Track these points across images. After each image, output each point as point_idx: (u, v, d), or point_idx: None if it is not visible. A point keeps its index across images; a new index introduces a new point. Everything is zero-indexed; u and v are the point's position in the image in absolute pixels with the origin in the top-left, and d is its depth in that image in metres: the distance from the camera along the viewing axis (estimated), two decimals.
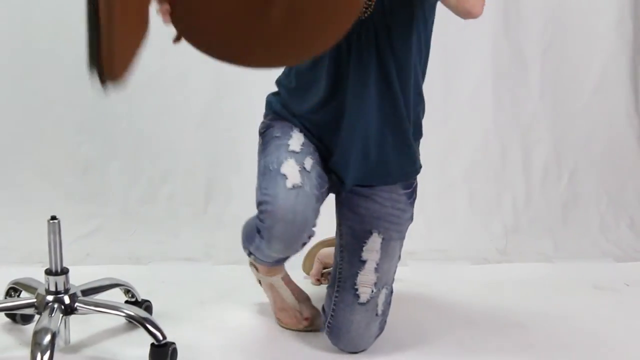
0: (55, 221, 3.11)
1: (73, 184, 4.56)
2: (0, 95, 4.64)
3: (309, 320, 3.38)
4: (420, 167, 3.28)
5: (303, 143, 3.13)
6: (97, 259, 4.10)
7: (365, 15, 2.90)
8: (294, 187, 2.92)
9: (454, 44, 4.63)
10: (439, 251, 4.15)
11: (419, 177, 3.27)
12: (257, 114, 3.28)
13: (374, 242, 3.20)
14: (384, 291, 3.17)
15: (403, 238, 3.27)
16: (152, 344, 3.04)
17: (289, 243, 2.97)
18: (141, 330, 3.08)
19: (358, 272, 3.18)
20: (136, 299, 3.47)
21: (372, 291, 3.14)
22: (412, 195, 3.28)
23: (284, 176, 2.96)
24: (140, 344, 3.12)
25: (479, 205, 4.57)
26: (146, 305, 3.47)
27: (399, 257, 3.27)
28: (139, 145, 4.59)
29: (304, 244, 3.01)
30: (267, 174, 3.01)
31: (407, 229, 3.28)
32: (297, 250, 3.03)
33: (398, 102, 3.06)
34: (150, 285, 3.65)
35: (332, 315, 3.18)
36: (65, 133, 4.64)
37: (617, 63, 4.69)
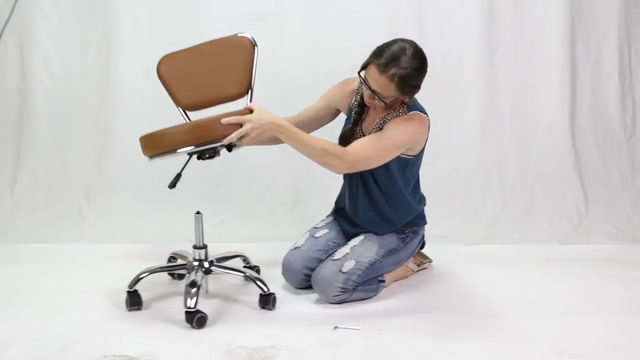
0: (199, 214, 3.18)
1: (209, 192, 4.60)
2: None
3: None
4: (405, 224, 3.42)
5: (328, 222, 3.57)
6: (225, 239, 4.12)
7: None
8: (295, 248, 3.41)
9: (455, 102, 4.64)
10: (442, 236, 4.13)
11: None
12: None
13: (358, 237, 3.35)
14: (352, 261, 3.20)
15: (383, 247, 3.32)
16: (261, 294, 3.11)
17: (289, 280, 3.40)
18: (253, 285, 3.15)
19: (342, 246, 3.33)
20: (250, 264, 3.53)
21: (343, 256, 3.21)
22: (404, 239, 3.40)
23: (295, 243, 3.44)
24: (252, 294, 3.19)
25: (470, 206, 4.56)
26: (257, 269, 3.53)
27: (376, 253, 3.28)
28: (251, 166, 4.63)
29: (307, 280, 3.33)
30: None
31: (388, 244, 3.35)
32: (300, 284, 3.37)
33: (374, 195, 3.31)
34: (260, 255, 3.69)
35: (316, 268, 3.27)
36: None
37: (560, 115, 4.64)
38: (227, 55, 3.18)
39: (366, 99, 3.10)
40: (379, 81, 2.97)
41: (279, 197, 4.62)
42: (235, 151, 3.12)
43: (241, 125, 2.87)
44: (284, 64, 4.59)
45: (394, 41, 3.01)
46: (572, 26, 4.62)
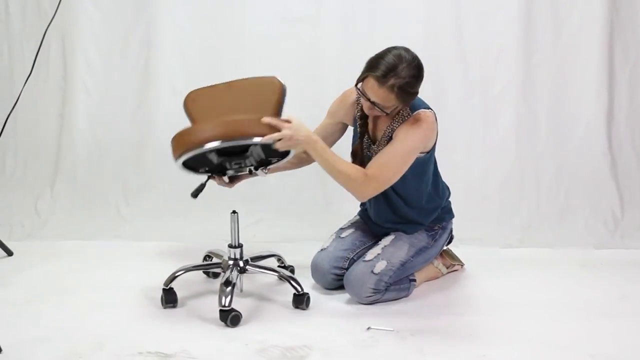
0: (235, 214, 3.18)
1: (245, 191, 4.59)
2: None
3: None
4: (429, 223, 3.39)
5: (354, 222, 3.58)
6: (260, 238, 4.14)
7: None
8: (322, 250, 3.42)
9: (491, 104, 4.62)
10: (478, 239, 4.10)
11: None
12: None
13: (389, 237, 3.34)
14: (383, 262, 3.19)
15: (414, 246, 3.31)
16: (294, 294, 3.11)
17: (318, 281, 3.39)
18: (287, 285, 3.15)
19: (371, 248, 3.31)
20: (284, 264, 3.53)
21: (375, 257, 3.20)
22: (434, 235, 3.40)
23: (322, 245, 3.44)
24: (286, 293, 3.19)
25: (505, 209, 4.52)
26: (291, 269, 3.53)
27: (407, 253, 3.27)
28: None
29: (336, 279, 3.33)
30: None
31: (419, 243, 3.34)
32: (330, 285, 3.36)
33: (394, 202, 3.32)
34: (294, 256, 3.68)
35: (348, 269, 3.27)
36: None
37: (596, 119, 4.59)
38: (256, 94, 3.14)
39: (366, 110, 3.10)
40: (378, 93, 2.95)
41: (314, 198, 4.62)
42: (260, 176, 3.13)
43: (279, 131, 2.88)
44: (320, 66, 4.59)
45: (388, 50, 2.99)
46: (610, 29, 4.57)
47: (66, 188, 4.68)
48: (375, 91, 2.95)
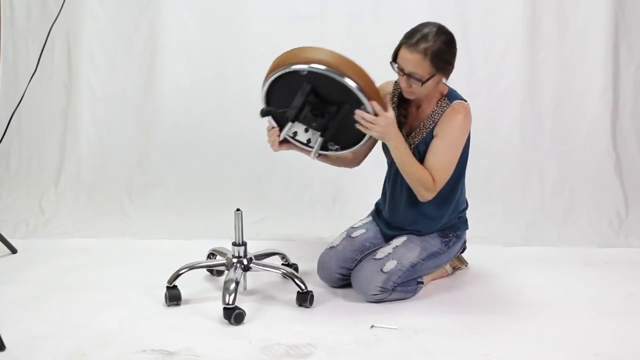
0: (239, 212, 3.18)
1: (250, 189, 4.61)
2: (207, 134, 4.74)
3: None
4: (448, 227, 3.38)
5: (366, 223, 3.51)
6: (264, 236, 4.12)
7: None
8: (330, 247, 3.39)
9: (495, 103, 4.61)
10: (482, 237, 4.08)
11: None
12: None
13: (401, 237, 3.31)
14: (394, 261, 3.18)
15: (425, 249, 3.27)
16: (298, 292, 3.11)
17: (324, 278, 3.38)
18: (291, 282, 3.14)
19: (383, 246, 3.30)
20: (288, 262, 3.52)
21: (385, 256, 3.19)
22: (447, 243, 3.36)
23: (331, 243, 3.41)
24: (290, 291, 3.19)
25: (509, 207, 4.51)
26: (295, 267, 3.52)
27: (418, 255, 3.24)
28: (291, 165, 4.62)
29: (342, 278, 3.32)
30: None
31: (431, 247, 3.30)
32: (335, 283, 3.35)
33: (414, 201, 3.23)
34: (298, 254, 3.68)
35: (356, 266, 3.26)
36: (245, 157, 4.68)
37: (601, 118, 4.60)
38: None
39: (403, 88, 3.07)
40: (411, 60, 2.96)
41: (319, 196, 4.61)
42: (312, 154, 3.13)
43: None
44: None
45: (421, 24, 3.03)
46: (615, 27, 4.57)
47: (70, 186, 4.68)
48: (408, 58, 2.97)
